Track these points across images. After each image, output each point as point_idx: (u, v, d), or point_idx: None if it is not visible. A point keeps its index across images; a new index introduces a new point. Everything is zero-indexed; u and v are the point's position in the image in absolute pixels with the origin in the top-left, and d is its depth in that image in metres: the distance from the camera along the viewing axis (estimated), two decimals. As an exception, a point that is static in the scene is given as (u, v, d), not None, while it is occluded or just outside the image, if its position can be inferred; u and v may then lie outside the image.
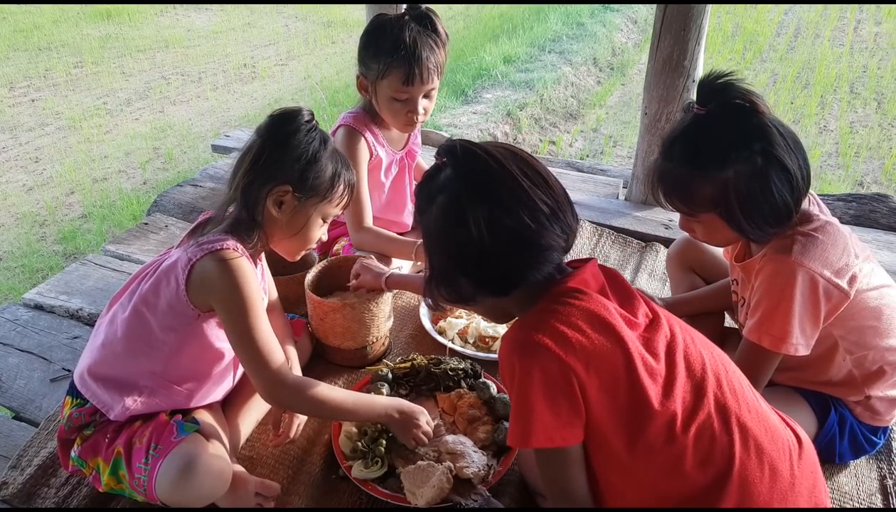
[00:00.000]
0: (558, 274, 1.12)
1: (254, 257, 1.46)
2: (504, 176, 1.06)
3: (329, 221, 1.52)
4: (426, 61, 1.83)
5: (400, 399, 1.51)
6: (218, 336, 1.40)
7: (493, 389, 1.64)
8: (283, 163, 1.38)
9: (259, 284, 1.38)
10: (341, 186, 1.46)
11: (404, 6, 1.94)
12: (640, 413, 1.02)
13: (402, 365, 1.73)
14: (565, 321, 1.03)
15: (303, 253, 1.54)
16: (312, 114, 1.44)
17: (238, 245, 1.35)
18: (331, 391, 1.40)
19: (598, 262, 1.17)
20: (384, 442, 1.49)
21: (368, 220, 2.00)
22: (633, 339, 1.05)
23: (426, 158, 2.41)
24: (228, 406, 1.57)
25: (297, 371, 1.60)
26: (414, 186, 2.26)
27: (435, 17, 1.88)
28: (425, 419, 1.47)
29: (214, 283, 1.29)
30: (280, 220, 1.42)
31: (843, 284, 1.32)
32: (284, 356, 1.37)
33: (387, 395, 1.61)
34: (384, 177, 2.10)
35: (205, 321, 1.36)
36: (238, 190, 1.39)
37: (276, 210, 1.41)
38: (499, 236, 1.04)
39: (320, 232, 1.51)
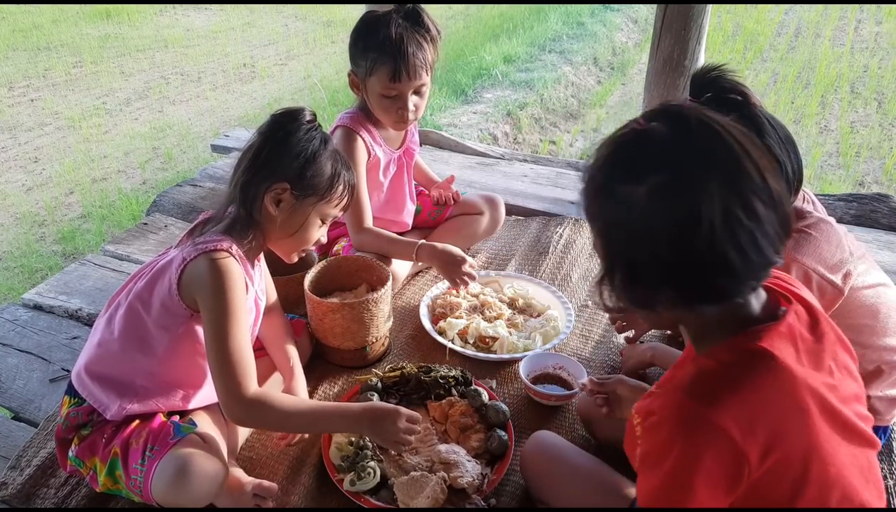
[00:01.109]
0: (756, 311, 0.93)
1: (252, 257, 1.46)
2: (749, 165, 0.84)
3: (328, 223, 1.51)
4: (412, 57, 1.81)
5: (375, 403, 1.44)
6: None
7: (485, 396, 1.62)
8: (281, 160, 1.38)
9: (244, 292, 1.35)
10: (341, 187, 1.45)
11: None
12: (789, 504, 0.88)
13: (392, 373, 1.69)
14: (751, 398, 0.86)
15: (300, 254, 1.53)
16: (314, 114, 1.45)
17: (233, 245, 1.34)
18: (294, 405, 1.36)
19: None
20: (369, 451, 1.46)
21: (368, 221, 1.99)
22: (824, 429, 0.88)
23: (426, 158, 2.41)
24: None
25: (298, 371, 1.60)
26: (413, 186, 2.25)
27: (424, 12, 1.86)
28: (405, 418, 1.38)
29: (202, 282, 1.29)
30: (278, 218, 1.41)
31: (837, 280, 1.32)
32: (255, 372, 1.33)
33: None
34: (383, 176, 2.09)
35: (197, 321, 1.35)
36: (237, 187, 1.39)
37: (274, 208, 1.40)
38: (731, 241, 0.82)
39: (319, 233, 1.50)
